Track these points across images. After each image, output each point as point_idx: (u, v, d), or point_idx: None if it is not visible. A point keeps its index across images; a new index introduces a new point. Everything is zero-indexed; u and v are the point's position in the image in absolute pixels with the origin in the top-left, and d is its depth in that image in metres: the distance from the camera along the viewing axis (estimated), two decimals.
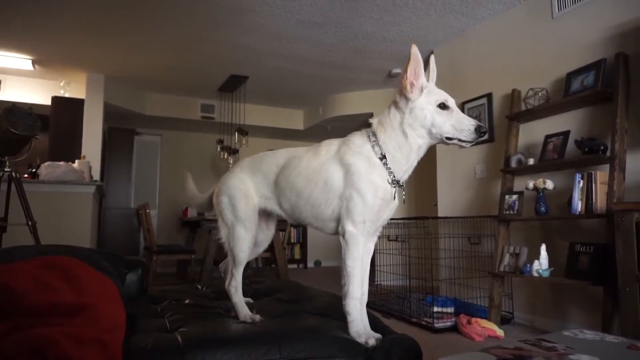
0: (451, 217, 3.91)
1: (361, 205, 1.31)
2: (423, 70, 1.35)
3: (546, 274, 2.83)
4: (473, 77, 4.11)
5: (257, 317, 1.42)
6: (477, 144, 3.96)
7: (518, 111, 3.40)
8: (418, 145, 1.35)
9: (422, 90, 1.34)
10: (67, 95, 5.68)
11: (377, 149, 1.35)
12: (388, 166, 1.34)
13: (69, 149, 5.31)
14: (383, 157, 1.34)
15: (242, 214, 1.53)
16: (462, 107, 4.17)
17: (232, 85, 6.01)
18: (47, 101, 5.51)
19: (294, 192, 1.45)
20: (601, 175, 2.66)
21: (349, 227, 1.32)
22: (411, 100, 1.33)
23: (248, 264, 5.34)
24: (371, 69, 5.30)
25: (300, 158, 1.48)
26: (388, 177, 1.34)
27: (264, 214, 1.66)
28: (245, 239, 1.52)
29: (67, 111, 5.50)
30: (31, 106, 3.14)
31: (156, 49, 4.83)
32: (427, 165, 5.10)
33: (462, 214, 3.98)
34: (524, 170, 3.31)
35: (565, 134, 3.05)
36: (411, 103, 1.33)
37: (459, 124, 1.29)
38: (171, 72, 5.60)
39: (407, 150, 1.34)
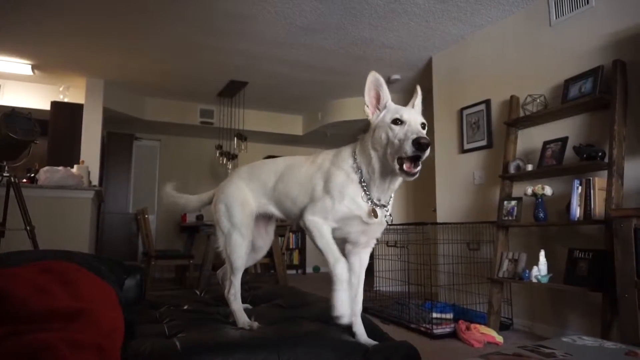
0: (450, 223, 3.92)
1: (329, 204, 1.34)
2: (385, 91, 1.36)
3: (545, 280, 2.83)
4: (472, 83, 4.12)
5: (255, 324, 1.43)
6: (476, 149, 3.98)
7: (516, 117, 3.42)
8: (378, 167, 1.32)
9: (383, 110, 1.35)
10: (66, 100, 5.68)
11: (354, 166, 1.37)
12: (364, 184, 1.34)
13: (68, 153, 5.31)
14: (361, 174, 1.35)
15: (238, 221, 1.55)
16: (460, 113, 4.18)
17: (232, 91, 6.02)
18: (47, 106, 5.51)
19: (289, 198, 1.50)
20: (599, 181, 2.67)
21: (309, 216, 1.36)
22: (372, 122, 1.36)
23: (247, 270, 5.31)
24: None
25: (299, 166, 1.52)
26: (363, 194, 1.34)
27: (263, 220, 1.69)
28: (242, 246, 1.54)
29: (66, 116, 5.50)
30: (30, 111, 3.14)
31: (156, 54, 4.84)
32: (425, 171, 5.11)
33: (461, 220, 3.98)
34: (523, 176, 3.32)
35: (564, 140, 3.06)
36: (373, 125, 1.35)
37: (404, 136, 1.22)
38: (170, 78, 5.61)
39: (372, 172, 1.34)
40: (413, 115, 1.30)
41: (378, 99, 1.37)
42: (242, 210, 1.56)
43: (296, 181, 1.48)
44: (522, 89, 3.47)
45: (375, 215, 1.34)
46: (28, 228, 3.12)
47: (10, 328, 0.91)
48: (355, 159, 1.38)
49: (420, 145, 1.17)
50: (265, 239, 1.75)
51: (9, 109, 2.96)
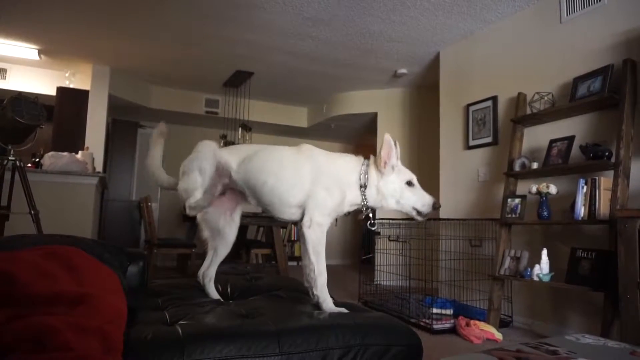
0: (453, 219, 3.91)
1: (330, 202, 1.58)
2: (394, 153, 1.61)
3: (547, 279, 2.83)
4: (479, 79, 4.09)
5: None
6: (481, 146, 3.96)
7: (523, 115, 3.40)
8: (385, 203, 1.63)
9: (393, 168, 1.62)
10: (72, 86, 5.68)
11: (362, 176, 1.62)
12: (364, 193, 1.61)
13: (72, 139, 5.31)
14: (364, 185, 1.61)
15: (205, 165, 1.64)
16: (466, 109, 4.16)
17: (237, 81, 6.00)
18: (52, 91, 5.50)
19: (266, 173, 1.63)
20: (605, 181, 2.65)
21: (318, 218, 1.56)
22: (385, 175, 1.61)
23: (247, 260, 5.31)
24: (377, 68, 5.28)
25: (280, 150, 1.70)
26: (360, 198, 1.62)
27: (228, 202, 1.76)
28: (197, 182, 1.64)
29: (71, 102, 5.49)
30: (36, 96, 3.14)
31: (162, 42, 4.83)
32: (429, 166, 5.09)
33: (463, 216, 3.97)
34: (528, 174, 3.30)
35: (570, 139, 3.04)
36: (385, 177, 1.61)
37: (422, 199, 1.60)
38: (176, 66, 5.60)
39: (382, 197, 1.63)
40: (416, 179, 1.64)
41: (388, 157, 1.61)
42: (212, 162, 1.66)
43: (275, 159, 1.65)
44: (529, 86, 3.44)
45: (366, 218, 1.66)
46: (32, 212, 3.14)
47: (14, 311, 0.91)
48: (362, 171, 1.62)
49: (435, 209, 1.61)
50: (232, 227, 1.80)
51: (15, 93, 2.97)
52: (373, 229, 1.67)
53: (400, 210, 1.65)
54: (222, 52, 5.05)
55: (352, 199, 1.62)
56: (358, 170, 1.62)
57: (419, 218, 1.62)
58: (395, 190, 1.61)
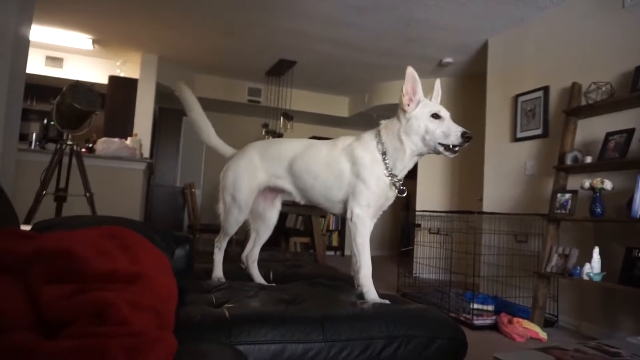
0: (498, 213, 3.79)
1: (365, 191, 1.54)
2: (419, 87, 1.54)
3: (598, 278, 2.70)
4: (529, 69, 3.92)
5: (224, 281, 1.72)
6: (530, 138, 3.81)
7: (577, 106, 3.23)
8: (411, 150, 1.54)
9: (418, 104, 1.53)
10: (122, 74, 5.90)
11: (380, 146, 1.57)
12: (386, 162, 1.56)
13: (122, 126, 5.54)
14: (384, 154, 1.56)
15: (241, 197, 1.73)
16: (515, 100, 4.00)
17: (280, 70, 6.04)
18: (104, 80, 5.75)
19: (311, 176, 1.64)
20: None
21: (357, 210, 1.55)
22: (408, 112, 1.53)
23: (287, 248, 5.39)
24: (421, 57, 5.16)
25: (318, 147, 1.68)
26: (386, 170, 1.56)
27: (271, 192, 1.82)
28: (238, 221, 1.77)
29: (122, 90, 5.73)
30: (92, 84, 3.28)
31: (207, 31, 4.92)
32: (473, 159, 4.95)
33: (508, 211, 3.84)
34: (580, 168, 3.14)
35: (630, 131, 2.86)
36: (408, 115, 1.53)
37: (448, 130, 1.47)
38: (221, 55, 5.69)
39: (401, 154, 1.55)
40: (447, 113, 1.53)
41: (413, 92, 1.54)
42: (249, 184, 1.72)
43: (317, 160, 1.64)
44: (585, 76, 3.26)
45: (395, 188, 1.57)
46: (87, 194, 3.30)
47: (75, 286, 0.96)
48: (378, 140, 1.58)
49: (467, 137, 1.45)
50: (272, 211, 1.87)
51: (73, 81, 3.12)
52: (403, 195, 1.58)
53: (430, 152, 1.53)
54: (266, 41, 5.08)
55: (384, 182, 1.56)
56: (375, 145, 1.57)
57: (448, 154, 1.49)
58: (419, 127, 1.50)
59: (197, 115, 1.91)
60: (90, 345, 0.71)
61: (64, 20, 4.85)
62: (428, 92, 1.62)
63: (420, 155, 1.57)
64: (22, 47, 2.64)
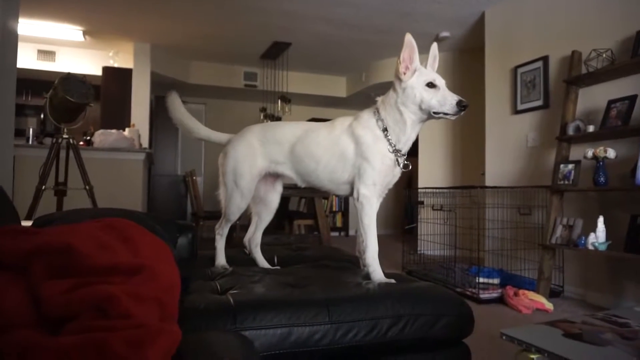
0: (501, 187, 3.77)
1: (370, 171, 1.52)
2: (417, 55, 1.50)
3: (603, 248, 2.69)
4: (528, 39, 3.85)
5: (229, 268, 1.67)
6: (531, 110, 3.76)
7: (578, 74, 3.17)
8: (411, 120, 1.52)
9: (414, 72, 1.50)
10: (116, 65, 5.84)
11: (380, 123, 1.55)
12: (389, 137, 1.54)
13: (119, 117, 5.50)
14: (385, 130, 1.54)
15: (243, 183, 1.69)
16: (514, 71, 3.94)
17: (275, 53, 5.96)
18: (98, 71, 5.69)
19: (313, 160, 1.62)
20: None
21: (363, 190, 1.54)
22: (404, 81, 1.50)
23: (290, 231, 5.39)
24: (417, 32, 4.98)
25: (318, 131, 1.64)
26: (389, 146, 1.54)
27: (271, 176, 1.79)
28: (240, 208, 1.74)
29: (116, 81, 5.67)
30: (84, 76, 3.24)
31: (199, 17, 4.83)
32: (474, 134, 4.91)
33: (511, 184, 3.82)
34: (582, 138, 3.11)
35: (632, 98, 2.82)
36: (404, 84, 1.50)
37: (443, 99, 1.45)
38: (214, 40, 5.61)
39: (402, 125, 1.53)
40: (442, 81, 1.50)
41: (410, 60, 1.50)
42: (250, 171, 1.68)
43: (318, 144, 1.61)
44: (585, 44, 3.20)
45: (399, 164, 1.56)
46: (87, 187, 3.29)
47: (76, 280, 0.95)
48: (377, 118, 1.56)
49: (462, 106, 1.43)
50: (274, 194, 1.86)
51: (64, 74, 3.07)
52: (408, 169, 1.59)
53: (431, 118, 1.51)
54: (259, 24, 5.00)
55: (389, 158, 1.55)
56: (374, 122, 1.55)
57: (449, 117, 1.47)
58: (415, 96, 1.48)
59: (179, 114, 1.84)
60: (92, 340, 0.70)
61: (53, 12, 4.77)
62: (424, 67, 1.57)
63: (422, 122, 1.55)
64: (10, 41, 2.60)
